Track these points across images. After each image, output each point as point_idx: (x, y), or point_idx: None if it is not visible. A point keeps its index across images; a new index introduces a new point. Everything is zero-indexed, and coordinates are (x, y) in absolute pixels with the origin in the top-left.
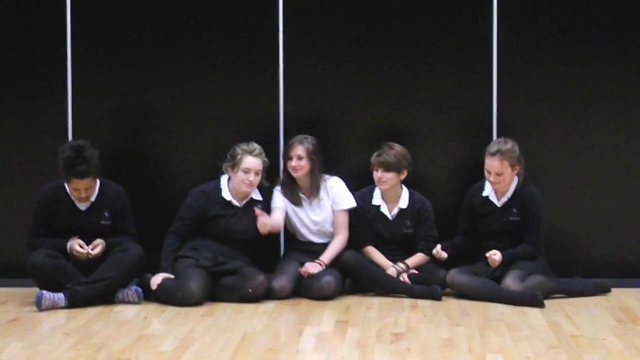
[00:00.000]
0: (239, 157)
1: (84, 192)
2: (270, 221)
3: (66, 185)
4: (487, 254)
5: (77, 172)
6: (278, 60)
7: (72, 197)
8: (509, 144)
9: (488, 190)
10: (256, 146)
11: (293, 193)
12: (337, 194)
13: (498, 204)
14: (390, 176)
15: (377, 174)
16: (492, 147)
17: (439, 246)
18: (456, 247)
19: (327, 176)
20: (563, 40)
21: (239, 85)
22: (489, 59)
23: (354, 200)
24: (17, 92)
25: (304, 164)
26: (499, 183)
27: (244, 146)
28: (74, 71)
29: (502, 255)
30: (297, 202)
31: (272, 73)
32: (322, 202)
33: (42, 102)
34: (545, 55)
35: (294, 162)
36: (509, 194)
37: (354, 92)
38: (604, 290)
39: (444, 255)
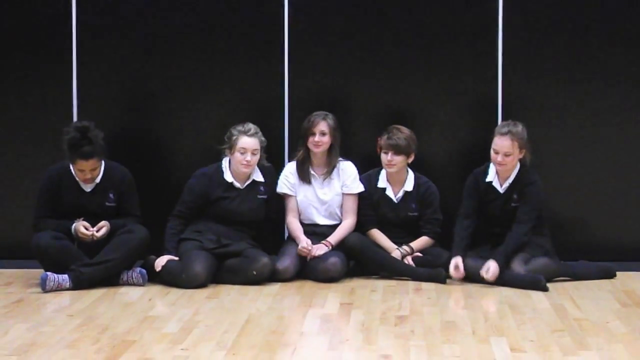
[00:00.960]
0: (234, 138)
1: (89, 173)
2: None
3: (71, 166)
4: (481, 273)
5: (82, 153)
6: (283, 42)
7: (77, 179)
8: (520, 127)
9: (491, 176)
10: (251, 126)
11: (306, 170)
12: (348, 177)
13: (501, 190)
14: (399, 159)
15: (387, 157)
16: (503, 128)
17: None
18: (469, 238)
19: (340, 158)
20: (569, 24)
21: (244, 67)
22: (495, 42)
23: (362, 186)
24: (22, 74)
25: (326, 140)
26: (505, 165)
27: (239, 127)
28: (79, 53)
29: (497, 264)
30: (307, 179)
31: (277, 55)
32: (332, 182)
33: (48, 84)
34: (551, 38)
35: (317, 138)
36: (510, 179)
37: (359, 74)
38: (609, 275)
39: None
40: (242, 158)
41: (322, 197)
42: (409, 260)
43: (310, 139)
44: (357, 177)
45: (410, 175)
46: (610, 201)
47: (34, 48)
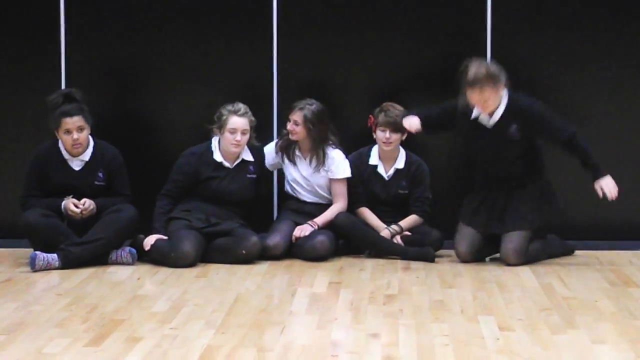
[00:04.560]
0: (224, 117)
1: (76, 132)
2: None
3: (59, 141)
4: (603, 192)
5: (66, 110)
6: (272, 21)
7: (66, 157)
8: (483, 68)
9: (477, 112)
10: (241, 106)
11: (289, 148)
12: (333, 163)
13: (489, 124)
14: (396, 137)
15: (385, 134)
16: (469, 76)
17: (415, 120)
18: (425, 117)
19: (332, 147)
20: (557, 9)
21: (233, 47)
22: (484, 22)
23: (349, 171)
24: (9, 55)
25: (299, 130)
26: (488, 108)
27: (229, 107)
28: (67, 33)
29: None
30: (291, 157)
31: (266, 34)
32: (318, 168)
33: (35, 65)
34: (540, 23)
35: (289, 126)
36: (499, 112)
37: (349, 54)
38: (569, 252)
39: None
40: (232, 138)
41: (304, 173)
42: (398, 239)
43: (287, 125)
44: (343, 163)
45: (402, 153)
46: None
47: (21, 30)
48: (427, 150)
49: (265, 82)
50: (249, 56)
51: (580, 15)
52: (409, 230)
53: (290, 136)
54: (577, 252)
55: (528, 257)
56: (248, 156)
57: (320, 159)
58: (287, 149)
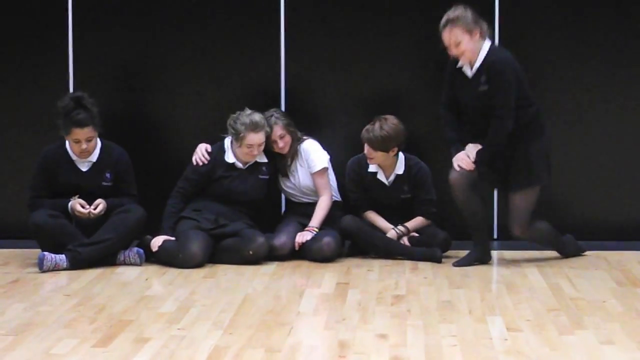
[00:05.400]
0: (242, 134)
1: (85, 143)
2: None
3: (67, 142)
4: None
5: (77, 120)
6: (280, 23)
7: (73, 158)
8: (458, 11)
9: (461, 62)
10: (257, 119)
11: (280, 166)
12: (308, 157)
13: (469, 73)
14: (378, 155)
15: (365, 150)
16: (442, 20)
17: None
18: (458, 130)
19: (301, 140)
20: (564, 17)
21: (241, 49)
22: (492, 29)
23: (325, 160)
24: (18, 53)
25: (287, 139)
26: (463, 53)
27: (246, 120)
28: (75, 34)
29: (477, 155)
30: (284, 172)
31: (274, 35)
32: (297, 166)
33: (43, 64)
34: (547, 31)
35: (280, 144)
36: (478, 63)
37: (355, 57)
38: (579, 252)
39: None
40: (249, 151)
41: (294, 181)
42: (405, 240)
43: (274, 147)
44: (317, 153)
45: (401, 158)
46: (604, 180)
47: (28, 30)
48: (426, 150)
49: (274, 85)
50: (258, 58)
51: (588, 21)
52: (416, 231)
53: (283, 152)
54: (585, 253)
55: (532, 234)
56: (262, 158)
57: (294, 156)
58: (280, 166)
